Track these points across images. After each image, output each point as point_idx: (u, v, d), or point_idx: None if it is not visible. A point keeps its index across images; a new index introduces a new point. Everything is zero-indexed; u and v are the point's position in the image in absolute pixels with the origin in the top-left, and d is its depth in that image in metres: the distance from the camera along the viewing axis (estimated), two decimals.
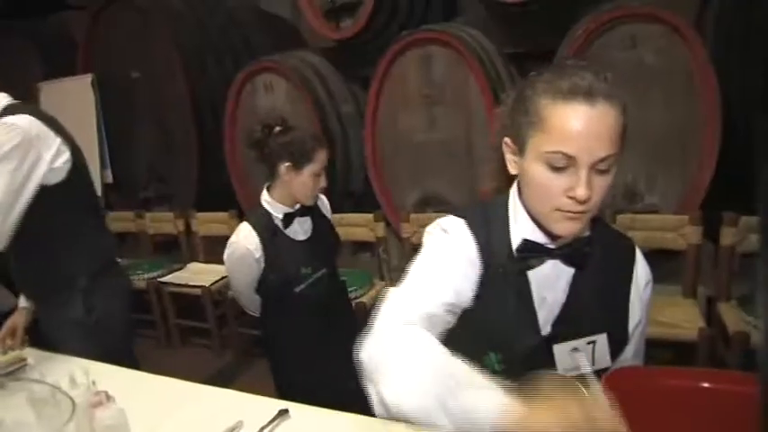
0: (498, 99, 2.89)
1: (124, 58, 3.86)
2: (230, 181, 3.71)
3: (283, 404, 1.26)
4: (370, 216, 3.02)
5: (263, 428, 1.18)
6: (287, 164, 1.79)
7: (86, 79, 3.89)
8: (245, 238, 1.79)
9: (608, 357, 0.99)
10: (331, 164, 3.33)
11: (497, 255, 0.98)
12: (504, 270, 0.97)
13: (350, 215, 3.09)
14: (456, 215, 1.02)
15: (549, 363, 0.98)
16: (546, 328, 0.99)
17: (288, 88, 3.39)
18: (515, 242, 0.99)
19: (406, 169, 3.18)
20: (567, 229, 0.91)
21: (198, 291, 3.31)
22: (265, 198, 1.89)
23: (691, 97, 2.40)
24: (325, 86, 3.42)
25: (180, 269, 3.63)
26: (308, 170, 1.80)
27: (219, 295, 3.30)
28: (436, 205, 3.08)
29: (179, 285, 3.42)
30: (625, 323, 1.02)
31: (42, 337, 1.69)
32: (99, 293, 1.67)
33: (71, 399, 0.98)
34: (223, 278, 3.40)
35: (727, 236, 2.29)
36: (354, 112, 3.53)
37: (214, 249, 3.80)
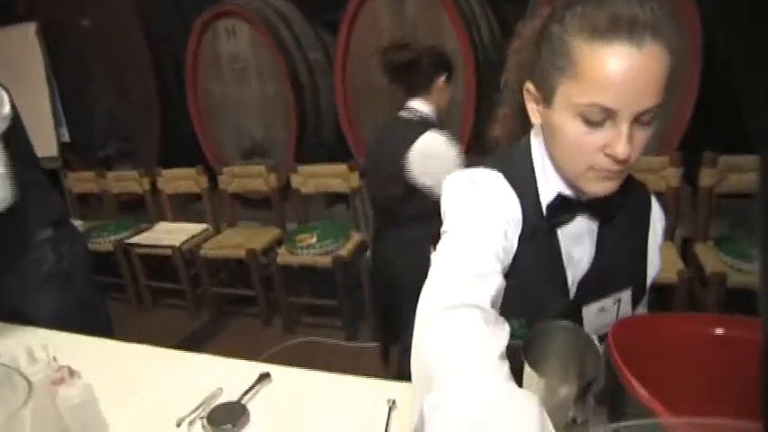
0: (473, 41, 2.76)
1: (72, 4, 3.55)
2: (195, 135, 3.53)
3: (264, 367, 1.19)
4: (344, 167, 2.91)
5: (244, 394, 1.12)
6: (444, 76, 1.84)
7: (30, 27, 3.58)
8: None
9: (630, 311, 0.94)
10: (300, 113, 3.22)
11: (529, 213, 0.87)
12: (535, 227, 0.86)
13: (323, 166, 2.98)
14: (488, 167, 0.88)
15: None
16: (573, 290, 0.91)
17: (251, 33, 3.18)
18: (545, 198, 0.87)
19: (380, 117, 3.05)
20: (602, 189, 0.80)
21: (168, 251, 3.19)
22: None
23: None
24: (292, 31, 3.22)
25: (148, 229, 3.50)
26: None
27: (191, 255, 3.19)
28: None
29: (148, 246, 3.29)
30: (645, 275, 0.96)
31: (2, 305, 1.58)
32: (66, 241, 1.63)
33: (27, 379, 0.88)
34: (194, 237, 3.28)
35: (707, 176, 2.28)
36: (323, 60, 3.36)
37: (182, 207, 3.66)
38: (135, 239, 3.35)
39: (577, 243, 0.90)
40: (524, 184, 0.87)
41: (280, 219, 3.23)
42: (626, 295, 0.92)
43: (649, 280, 0.97)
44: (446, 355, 0.58)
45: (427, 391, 0.56)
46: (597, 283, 0.90)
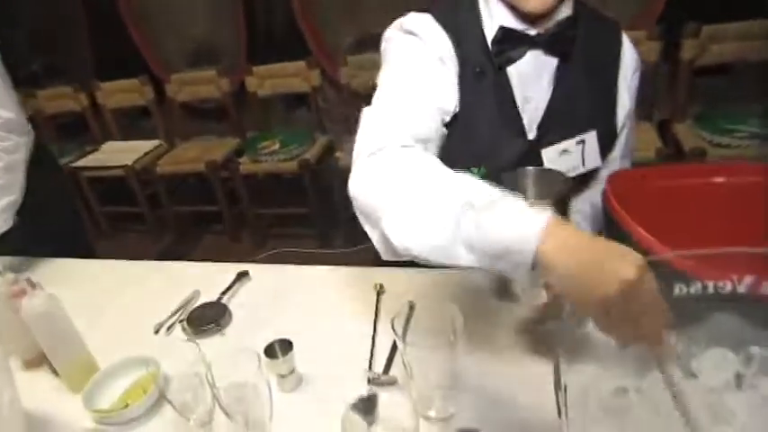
0: None
1: None
2: (134, 43, 3.28)
3: (243, 267, 1.17)
4: (302, 64, 2.77)
5: (223, 293, 1.10)
6: None
7: None
8: None
9: (598, 156, 0.95)
10: (249, 9, 3.00)
11: (472, 51, 0.88)
12: (482, 68, 0.88)
13: (278, 65, 2.83)
14: (418, 10, 0.89)
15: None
16: (532, 132, 0.92)
17: None
18: (490, 33, 0.88)
19: (338, 5, 2.88)
20: (540, 3, 0.81)
21: (120, 171, 3.06)
22: None
23: None
24: None
25: (94, 151, 3.33)
26: None
27: (146, 174, 3.07)
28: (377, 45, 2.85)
29: (97, 168, 3.14)
30: (613, 116, 0.96)
31: None
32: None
33: None
34: (147, 154, 3.14)
35: (689, 49, 2.25)
36: None
37: (129, 125, 3.48)
38: (81, 162, 3.19)
39: (533, 82, 0.90)
40: (467, 22, 0.87)
41: (237, 127, 3.11)
42: (591, 137, 0.93)
43: (620, 122, 0.97)
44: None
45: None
46: (557, 123, 0.91)
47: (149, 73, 3.24)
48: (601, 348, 0.58)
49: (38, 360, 1.01)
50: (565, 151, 0.94)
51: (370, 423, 0.69)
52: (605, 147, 0.96)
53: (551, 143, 0.93)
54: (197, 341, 0.79)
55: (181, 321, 1.05)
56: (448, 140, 0.90)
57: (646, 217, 0.70)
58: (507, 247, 0.56)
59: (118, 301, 1.17)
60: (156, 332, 1.06)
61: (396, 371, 0.83)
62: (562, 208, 0.73)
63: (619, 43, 0.95)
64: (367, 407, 0.71)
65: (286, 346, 0.85)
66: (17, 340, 0.99)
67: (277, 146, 2.79)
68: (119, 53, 3.35)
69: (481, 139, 0.90)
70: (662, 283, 0.52)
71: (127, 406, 0.86)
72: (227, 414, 0.68)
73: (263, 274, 1.17)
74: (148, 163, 3.07)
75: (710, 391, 0.59)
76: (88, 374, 0.94)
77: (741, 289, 0.58)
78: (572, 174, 0.93)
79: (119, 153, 3.21)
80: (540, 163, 0.92)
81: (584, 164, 0.94)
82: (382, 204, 0.66)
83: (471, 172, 0.83)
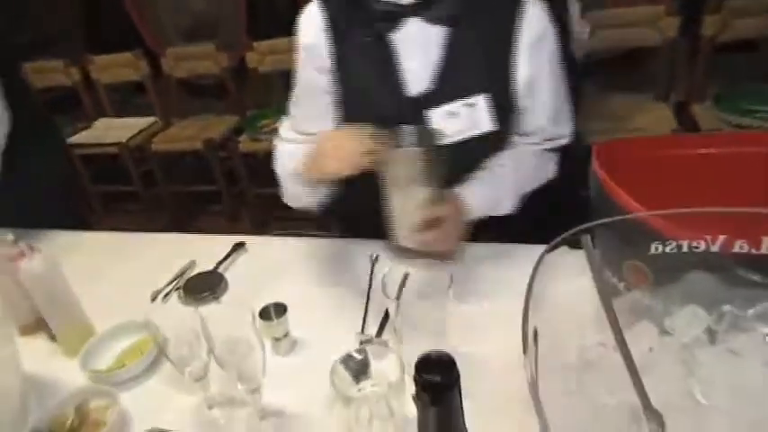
0: None
1: None
2: (128, 14, 3.36)
3: (239, 238, 1.25)
4: None
5: (220, 263, 1.18)
6: None
7: None
8: None
9: (490, 120, 1.04)
10: None
11: (356, 22, 1.04)
12: (362, 39, 1.04)
13: (280, 40, 2.88)
14: None
15: None
16: (416, 94, 1.04)
17: None
18: (373, 4, 1.02)
19: None
20: None
21: (114, 149, 3.14)
22: None
23: None
24: None
25: (87, 128, 3.41)
26: None
27: (141, 152, 3.16)
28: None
29: (90, 146, 3.22)
30: (508, 82, 1.04)
31: None
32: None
33: None
34: (141, 131, 3.22)
35: (710, 24, 2.29)
36: None
37: (123, 102, 3.56)
38: (73, 139, 3.27)
39: (420, 49, 1.02)
40: None
41: (237, 104, 3.18)
42: (481, 101, 1.03)
43: (520, 88, 1.05)
44: None
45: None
46: (443, 87, 1.03)
47: (144, 47, 3.31)
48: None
49: (34, 326, 1.08)
50: (452, 114, 1.03)
51: (358, 376, 0.76)
52: (501, 111, 1.04)
53: (437, 105, 1.03)
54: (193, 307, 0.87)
55: (177, 289, 1.13)
56: (341, 106, 1.08)
57: (634, 187, 0.76)
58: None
59: (114, 272, 1.25)
60: (153, 299, 1.13)
61: (387, 337, 0.91)
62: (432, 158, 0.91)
63: (519, 11, 1.02)
64: (356, 364, 0.78)
65: (281, 309, 0.93)
66: (14, 305, 1.06)
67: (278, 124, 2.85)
68: (112, 26, 3.43)
69: (367, 101, 1.05)
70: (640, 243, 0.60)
71: (124, 366, 0.94)
72: (221, 366, 0.75)
73: (260, 246, 1.24)
74: (143, 141, 3.15)
75: (684, 347, 0.66)
76: (85, 338, 1.02)
77: (714, 248, 0.64)
78: (464, 136, 1.04)
79: (112, 130, 3.30)
80: (423, 123, 1.03)
81: (473, 127, 1.04)
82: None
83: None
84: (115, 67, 3.30)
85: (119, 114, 3.48)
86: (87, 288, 1.09)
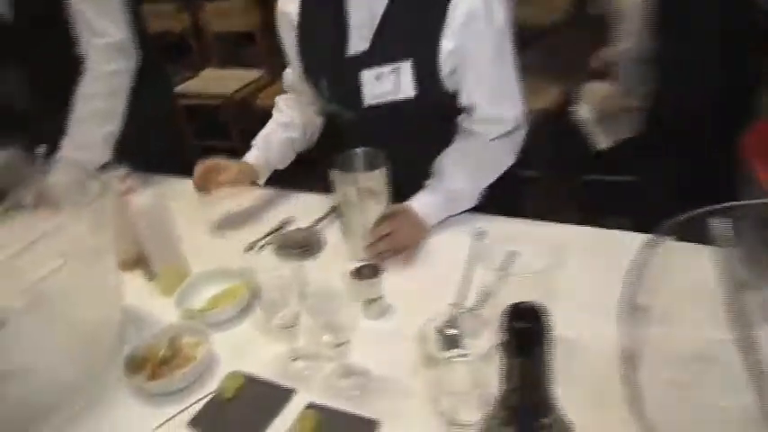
0: None
1: None
2: None
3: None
4: None
5: (317, 221, 1.29)
6: None
7: None
8: None
9: (411, 87, 1.21)
10: None
11: None
12: None
13: None
14: None
15: (360, 89, 1.25)
16: (355, 50, 1.24)
17: None
18: None
19: None
20: None
21: (217, 101, 3.39)
22: None
23: None
24: None
25: (192, 77, 3.69)
26: None
27: (244, 106, 3.38)
28: None
29: (193, 96, 3.49)
30: (432, 53, 1.19)
31: None
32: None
33: (101, 180, 1.08)
34: (248, 85, 3.44)
35: None
36: None
37: (232, 51, 3.82)
38: (178, 89, 3.57)
39: (362, 10, 1.21)
40: None
41: None
42: (406, 67, 1.20)
43: (442, 60, 1.18)
44: None
45: None
46: (376, 49, 1.22)
47: None
48: None
49: (134, 262, 1.25)
50: (379, 76, 1.22)
51: (448, 345, 0.83)
52: (423, 79, 1.20)
53: (370, 66, 1.22)
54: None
55: (272, 243, 1.25)
56: (300, 56, 1.35)
57: None
58: None
59: (211, 220, 1.41)
60: (248, 250, 1.27)
61: (484, 312, 0.96)
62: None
63: None
64: (448, 332, 0.85)
65: (375, 271, 1.01)
66: (119, 240, 1.23)
67: None
68: None
69: (319, 54, 1.31)
70: None
71: (216, 308, 1.07)
72: (311, 315, 0.85)
73: None
74: (249, 94, 3.38)
75: None
76: (181, 279, 1.17)
77: None
78: (387, 99, 1.23)
79: (217, 81, 3.56)
80: (359, 86, 1.24)
81: (398, 91, 1.22)
82: None
83: (321, 82, 1.31)
84: (226, 15, 3.55)
85: (225, 65, 3.75)
86: (185, 233, 1.25)
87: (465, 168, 1.25)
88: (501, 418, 0.54)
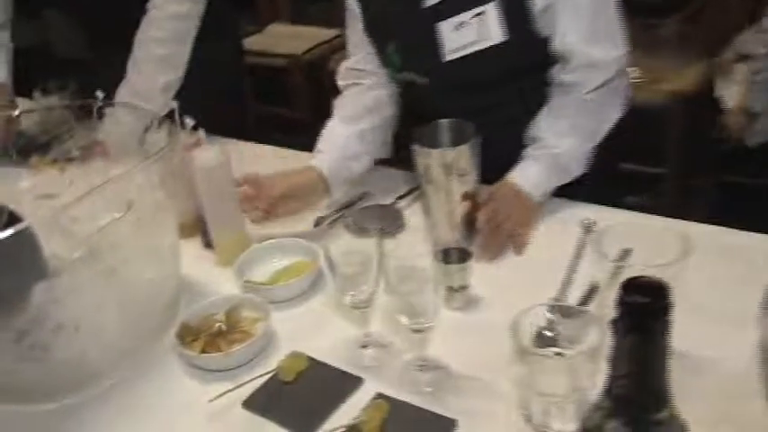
0: None
1: None
2: None
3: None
4: None
5: (398, 198, 1.36)
6: None
7: None
8: None
9: (499, 29, 1.25)
10: None
11: None
12: None
13: None
14: None
15: (437, 44, 1.30)
16: (430, 1, 1.29)
17: None
18: None
19: None
20: None
21: (282, 61, 3.50)
22: None
23: None
24: None
25: (256, 32, 3.80)
26: None
27: (315, 69, 3.48)
28: None
29: (256, 54, 3.58)
30: None
31: None
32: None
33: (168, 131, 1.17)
34: (319, 45, 3.53)
35: None
36: None
37: (304, 4, 3.91)
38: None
39: None
40: None
41: None
42: (490, 8, 1.24)
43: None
44: None
45: None
46: None
47: None
48: None
49: (191, 226, 1.34)
50: (461, 24, 1.26)
51: (545, 340, 0.87)
52: (513, 20, 1.24)
53: (448, 16, 1.27)
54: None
55: (346, 218, 1.32)
56: (364, 20, 1.41)
57: None
58: None
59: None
60: (317, 225, 1.34)
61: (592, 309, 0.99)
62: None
63: None
64: (545, 329, 0.89)
65: (463, 255, 1.06)
66: (178, 199, 1.32)
67: None
68: None
69: (382, 14, 1.37)
70: None
71: (280, 282, 1.15)
72: (389, 292, 0.91)
73: None
74: (320, 56, 3.47)
75: None
76: (241, 248, 1.25)
77: None
78: (474, 48, 1.27)
79: (285, 39, 3.68)
80: (438, 40, 1.29)
81: (483, 38, 1.26)
82: None
83: (389, 47, 1.38)
84: None
85: (296, 21, 3.86)
86: None
87: (567, 127, 1.28)
88: (606, 409, 0.58)
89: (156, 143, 1.17)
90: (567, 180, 1.29)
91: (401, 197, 1.38)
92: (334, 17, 3.75)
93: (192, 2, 1.68)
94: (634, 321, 0.52)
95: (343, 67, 1.54)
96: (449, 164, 1.16)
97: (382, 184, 1.44)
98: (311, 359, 1.01)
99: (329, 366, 1.01)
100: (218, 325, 1.07)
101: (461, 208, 1.18)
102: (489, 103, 1.31)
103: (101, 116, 1.34)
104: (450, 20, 1.27)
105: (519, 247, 1.21)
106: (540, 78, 1.33)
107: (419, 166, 1.20)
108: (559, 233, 1.20)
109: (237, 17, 2.09)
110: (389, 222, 1.28)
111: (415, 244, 0.97)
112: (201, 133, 1.25)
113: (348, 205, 1.38)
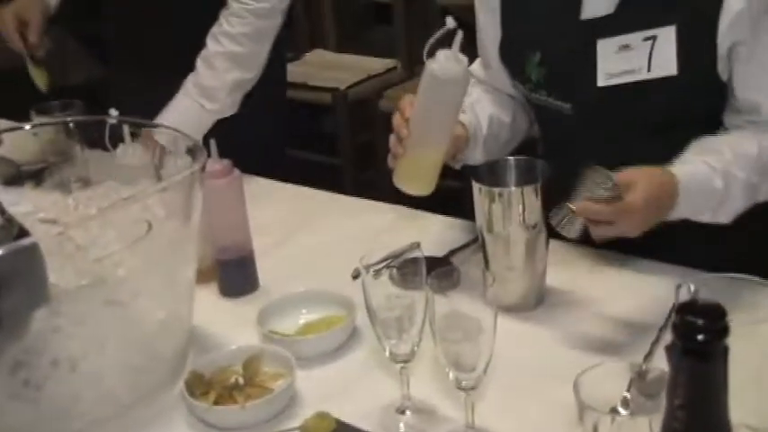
0: None
1: None
2: None
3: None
4: None
5: (452, 252, 1.49)
6: None
7: None
8: None
9: (673, 61, 1.29)
10: None
11: None
12: None
13: None
14: None
15: (591, 65, 1.35)
16: (592, 13, 1.36)
17: None
18: None
19: None
20: None
21: (326, 96, 3.67)
22: None
23: None
24: None
25: (294, 59, 3.95)
26: None
27: (363, 108, 3.66)
28: None
29: (294, 86, 3.74)
30: (713, 14, 1.26)
31: None
32: None
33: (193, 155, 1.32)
34: (370, 78, 3.71)
35: None
36: None
37: (354, 28, 4.07)
38: None
39: None
40: None
41: None
42: (666, 33, 1.29)
43: (729, 27, 1.25)
44: None
45: None
46: (623, 12, 1.32)
47: None
48: None
49: (208, 272, 1.48)
50: (626, 47, 1.31)
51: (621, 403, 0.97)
52: (689, 53, 1.28)
53: (611, 35, 1.32)
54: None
55: (390, 267, 1.44)
56: (505, 22, 1.49)
57: None
58: None
59: (310, 233, 1.66)
60: (355, 277, 1.46)
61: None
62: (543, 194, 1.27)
63: None
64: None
65: None
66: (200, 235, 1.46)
67: None
68: None
69: (536, 20, 1.43)
70: None
71: (307, 335, 1.28)
72: (436, 340, 1.02)
73: None
74: (370, 91, 3.64)
75: None
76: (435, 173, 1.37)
77: None
78: (635, 77, 1.32)
79: (329, 68, 3.85)
80: (590, 56, 1.35)
81: (649, 68, 1.30)
82: None
83: (530, 58, 1.43)
84: None
85: (343, 48, 4.05)
86: (275, 242, 1.50)
87: (749, 156, 1.28)
88: None
89: (175, 168, 1.32)
90: (720, 213, 1.28)
91: (456, 250, 1.50)
92: (392, 44, 3.90)
93: None
94: (691, 343, 0.63)
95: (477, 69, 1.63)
96: (512, 207, 1.27)
97: (436, 233, 1.58)
98: (339, 422, 1.10)
99: (360, 431, 1.10)
100: (234, 377, 1.19)
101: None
102: (632, 150, 1.30)
103: (114, 143, 1.50)
104: (612, 39, 1.33)
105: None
106: (703, 126, 1.35)
107: (478, 210, 1.31)
108: (653, 295, 1.31)
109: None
110: (441, 278, 1.39)
111: (469, 301, 1.09)
112: (228, 165, 1.42)
113: (394, 256, 1.49)
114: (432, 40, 1.28)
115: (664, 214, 1.20)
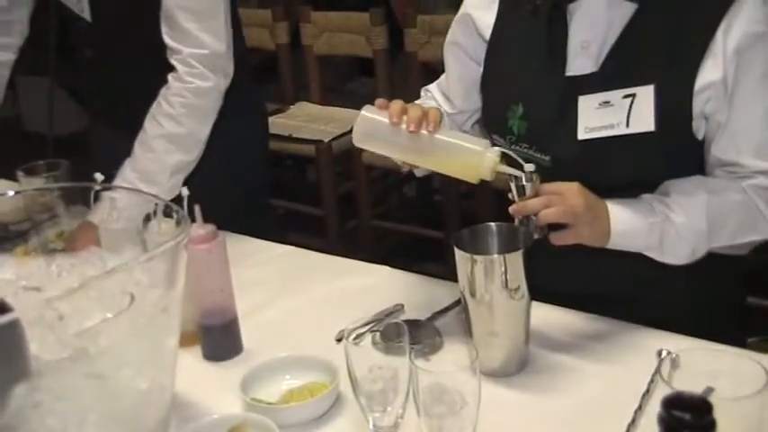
0: None
1: None
2: None
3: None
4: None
5: (436, 314, 1.47)
6: None
7: None
8: None
9: (651, 118, 1.35)
10: None
11: None
12: (536, 5, 1.46)
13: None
14: None
15: (572, 120, 1.42)
16: (577, 71, 1.44)
17: None
18: None
19: None
20: None
21: (309, 149, 3.68)
22: None
23: None
24: None
25: (279, 112, 4.03)
26: None
27: (347, 160, 3.68)
28: None
29: (278, 138, 3.74)
30: (689, 78, 1.34)
31: None
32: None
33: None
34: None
35: None
36: None
37: (338, 80, 4.09)
38: None
39: (597, 25, 1.41)
40: None
41: None
42: (645, 92, 1.36)
43: (698, 89, 1.34)
44: None
45: None
46: (606, 70, 1.41)
47: (388, 6, 3.87)
48: None
49: (190, 337, 1.46)
50: (606, 103, 1.38)
51: None
52: (666, 111, 1.35)
53: (593, 91, 1.40)
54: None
55: (374, 332, 1.42)
56: (490, 74, 1.58)
57: None
58: None
59: (295, 294, 1.64)
60: (339, 340, 1.44)
61: None
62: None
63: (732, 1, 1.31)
64: None
65: None
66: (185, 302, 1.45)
67: None
68: None
69: (522, 76, 1.52)
70: None
71: (290, 403, 1.26)
72: (421, 413, 1.00)
73: None
74: (353, 145, 3.61)
75: None
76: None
77: None
78: (613, 132, 1.38)
79: (314, 122, 3.86)
80: (575, 110, 1.41)
81: (628, 123, 1.37)
82: None
83: (513, 109, 1.50)
84: (339, 31, 3.86)
85: (327, 101, 4.06)
86: (260, 304, 1.48)
87: (702, 203, 1.36)
88: None
89: (158, 234, 1.30)
90: (661, 251, 1.35)
91: (439, 312, 1.49)
92: (376, 97, 3.88)
93: (216, 76, 1.84)
94: None
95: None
96: (494, 274, 1.27)
97: (420, 294, 1.57)
98: None
99: None
100: None
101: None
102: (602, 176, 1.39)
103: (100, 199, 1.45)
104: (594, 95, 1.40)
105: (572, 235, 1.29)
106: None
107: (460, 276, 1.31)
108: (634, 361, 1.31)
109: (261, 95, 2.28)
110: (424, 341, 1.38)
111: (452, 365, 1.08)
112: (211, 230, 1.42)
113: (377, 319, 1.48)
114: None
115: (604, 225, 1.31)
